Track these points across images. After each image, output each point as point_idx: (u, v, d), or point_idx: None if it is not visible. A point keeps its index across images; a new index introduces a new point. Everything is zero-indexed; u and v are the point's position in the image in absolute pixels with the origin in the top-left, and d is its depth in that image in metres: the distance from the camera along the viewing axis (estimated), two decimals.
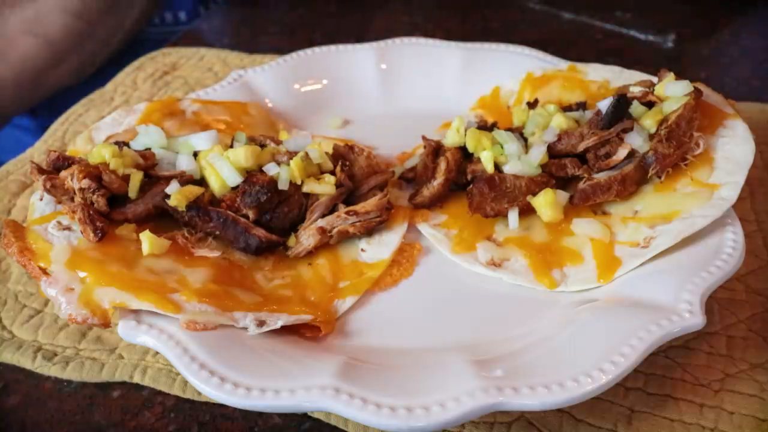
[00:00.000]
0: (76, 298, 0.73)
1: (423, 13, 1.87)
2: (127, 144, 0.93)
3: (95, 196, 0.82)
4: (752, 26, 1.71)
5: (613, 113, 0.91)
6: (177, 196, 0.85)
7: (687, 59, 1.56)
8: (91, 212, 0.81)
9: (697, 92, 0.91)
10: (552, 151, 0.94)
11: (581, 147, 0.92)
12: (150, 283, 0.77)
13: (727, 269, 0.76)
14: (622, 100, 0.92)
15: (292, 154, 0.93)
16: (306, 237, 0.89)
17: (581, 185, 0.90)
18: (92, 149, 0.89)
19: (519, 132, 1.00)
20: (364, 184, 0.96)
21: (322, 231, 0.89)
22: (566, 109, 1.03)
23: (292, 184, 0.90)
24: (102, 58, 1.68)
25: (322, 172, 0.94)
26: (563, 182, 0.95)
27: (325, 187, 0.91)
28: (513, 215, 0.92)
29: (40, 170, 0.86)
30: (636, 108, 0.92)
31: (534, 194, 0.91)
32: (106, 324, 0.73)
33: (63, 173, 0.85)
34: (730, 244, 0.79)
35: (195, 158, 0.91)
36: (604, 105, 0.94)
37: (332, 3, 1.92)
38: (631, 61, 1.14)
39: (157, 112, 1.07)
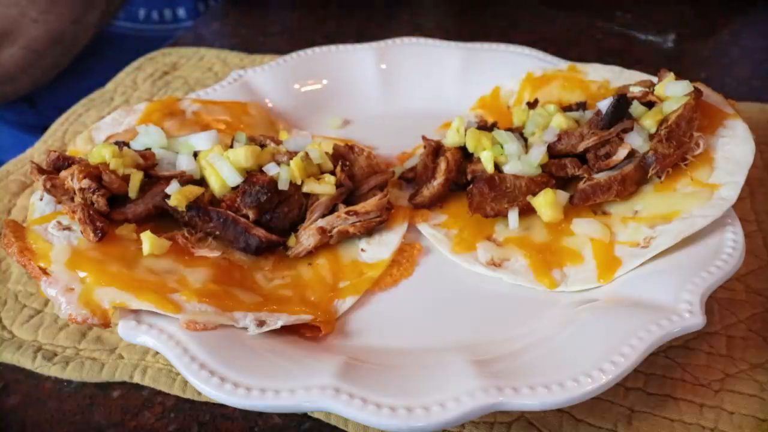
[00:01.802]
0: (76, 298, 0.73)
1: (423, 13, 1.87)
2: (127, 144, 0.93)
3: (95, 196, 0.82)
4: (752, 26, 1.71)
5: (613, 113, 0.91)
6: (177, 196, 0.85)
7: (687, 59, 1.55)
8: (91, 212, 0.81)
9: (697, 92, 0.91)
10: (552, 151, 0.94)
11: (581, 147, 0.92)
12: (150, 283, 0.77)
13: (727, 269, 0.76)
14: (622, 100, 0.92)
15: (292, 154, 0.93)
16: (306, 237, 0.89)
17: (581, 185, 0.90)
18: (92, 149, 0.89)
19: (519, 132, 1.00)
20: (364, 184, 0.96)
21: (322, 231, 0.89)
22: (566, 109, 1.03)
23: (292, 184, 0.89)
24: (57, 71, 1.70)
25: (322, 172, 0.94)
26: (563, 182, 0.95)
27: (325, 187, 0.91)
28: (513, 215, 0.92)
29: (40, 170, 0.86)
30: (636, 108, 0.92)
31: (534, 194, 0.91)
32: (106, 324, 0.73)
33: (63, 173, 0.85)
34: (730, 244, 0.79)
35: (195, 158, 0.91)
36: (604, 105, 0.94)
37: (332, 3, 1.92)
38: (631, 61, 1.14)
39: (157, 112, 1.07)
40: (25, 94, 1.70)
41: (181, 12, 1.99)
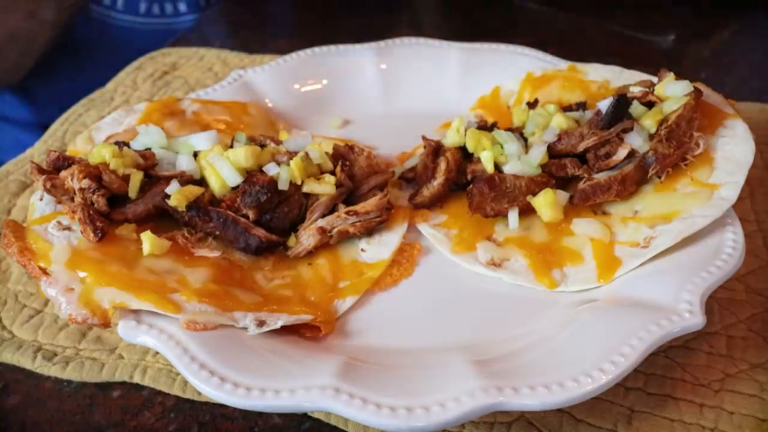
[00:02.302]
0: (76, 298, 0.73)
1: (423, 13, 1.87)
2: (127, 144, 0.93)
3: (95, 196, 0.82)
4: (752, 26, 1.71)
5: (613, 113, 0.91)
6: (177, 196, 0.85)
7: (687, 59, 1.56)
8: (91, 212, 0.81)
9: (697, 92, 0.91)
10: (552, 151, 0.94)
11: (581, 147, 0.92)
12: (150, 283, 0.77)
13: (727, 269, 0.76)
14: (622, 100, 0.92)
15: (292, 154, 0.93)
16: (306, 237, 0.89)
17: (581, 185, 0.90)
18: (92, 149, 0.89)
19: (519, 132, 1.00)
20: (364, 184, 0.96)
21: (322, 231, 0.89)
22: (566, 109, 1.03)
23: (292, 184, 0.89)
24: (23, 73, 1.64)
25: (322, 172, 0.94)
26: (563, 182, 0.95)
27: (325, 187, 0.91)
28: (513, 215, 0.92)
29: (40, 170, 0.86)
30: (636, 108, 0.92)
31: (534, 194, 0.91)
32: (106, 324, 0.73)
33: (63, 173, 0.85)
34: (730, 244, 0.79)
35: (195, 158, 0.91)
36: (604, 105, 0.94)
37: (332, 3, 1.92)
38: (631, 61, 1.14)
39: (157, 112, 1.07)
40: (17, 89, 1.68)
41: (182, 6, 1.99)
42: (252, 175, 0.89)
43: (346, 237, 0.92)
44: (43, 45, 1.66)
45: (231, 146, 0.95)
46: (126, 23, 1.94)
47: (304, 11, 1.90)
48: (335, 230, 0.90)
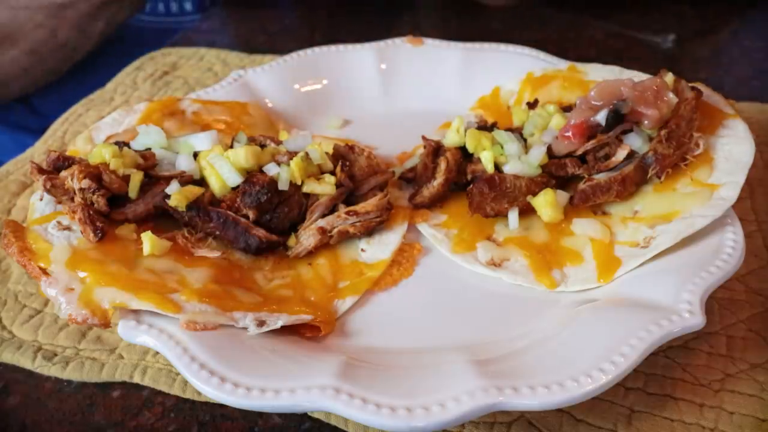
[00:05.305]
0: (76, 298, 0.73)
1: (423, 13, 1.87)
2: (127, 144, 0.93)
3: (95, 196, 0.82)
4: (752, 26, 1.71)
5: (613, 120, 0.91)
6: (177, 196, 0.85)
7: (687, 59, 1.56)
8: (91, 212, 0.81)
9: (697, 92, 0.91)
10: (551, 153, 0.94)
11: (579, 151, 0.92)
12: (150, 283, 0.77)
13: (727, 269, 0.76)
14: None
15: (292, 154, 0.93)
16: (306, 237, 0.89)
17: (581, 186, 0.90)
18: (92, 149, 0.89)
19: (519, 132, 1.00)
20: (364, 184, 0.96)
21: (322, 231, 0.89)
22: (566, 109, 1.03)
23: (292, 184, 0.89)
24: (56, 77, 1.69)
25: (322, 172, 0.94)
26: (563, 182, 0.95)
27: (325, 188, 0.91)
28: (513, 215, 0.92)
29: (40, 170, 0.86)
30: None
31: (534, 194, 0.91)
32: (106, 324, 0.73)
33: (63, 173, 0.85)
34: (730, 244, 0.79)
35: (195, 158, 0.91)
36: (602, 116, 0.93)
37: (332, 3, 1.92)
38: (631, 61, 1.14)
39: (157, 112, 1.07)
40: (20, 97, 1.70)
41: (188, 5, 1.99)
42: (252, 175, 0.89)
43: (346, 237, 0.92)
44: (85, 53, 1.71)
45: (231, 146, 0.95)
46: (130, 21, 1.93)
47: (304, 11, 1.90)
48: (335, 230, 0.90)
